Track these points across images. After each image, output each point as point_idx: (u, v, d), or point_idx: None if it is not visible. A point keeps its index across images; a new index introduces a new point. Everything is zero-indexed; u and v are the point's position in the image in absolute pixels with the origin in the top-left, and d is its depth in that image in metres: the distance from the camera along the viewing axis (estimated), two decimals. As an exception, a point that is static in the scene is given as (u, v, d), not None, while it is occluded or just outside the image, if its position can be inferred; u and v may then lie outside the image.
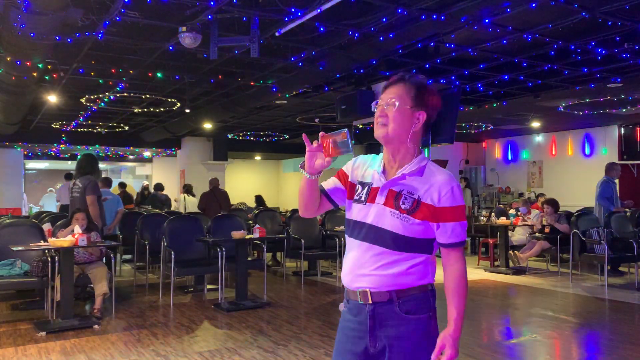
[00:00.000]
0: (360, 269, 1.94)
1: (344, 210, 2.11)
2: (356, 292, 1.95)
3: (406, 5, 4.94)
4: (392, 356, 1.90)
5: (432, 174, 1.93)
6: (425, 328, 1.90)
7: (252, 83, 8.12)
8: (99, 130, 13.34)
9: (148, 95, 9.02)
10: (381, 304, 1.91)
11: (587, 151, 12.90)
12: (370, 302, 1.91)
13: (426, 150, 7.62)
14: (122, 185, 13.54)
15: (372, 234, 1.92)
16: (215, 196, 10.49)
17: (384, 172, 1.98)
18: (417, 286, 1.91)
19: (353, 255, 1.98)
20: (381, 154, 2.05)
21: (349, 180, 2.06)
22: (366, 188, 1.98)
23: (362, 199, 1.97)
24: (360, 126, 8.73)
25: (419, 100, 1.93)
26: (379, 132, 1.95)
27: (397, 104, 1.91)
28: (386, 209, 1.91)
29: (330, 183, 2.11)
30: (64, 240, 5.41)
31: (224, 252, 6.44)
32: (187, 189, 12.13)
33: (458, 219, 1.90)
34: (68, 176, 12.16)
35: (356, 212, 1.99)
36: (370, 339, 1.93)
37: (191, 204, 11.44)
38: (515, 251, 9.06)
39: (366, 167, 2.05)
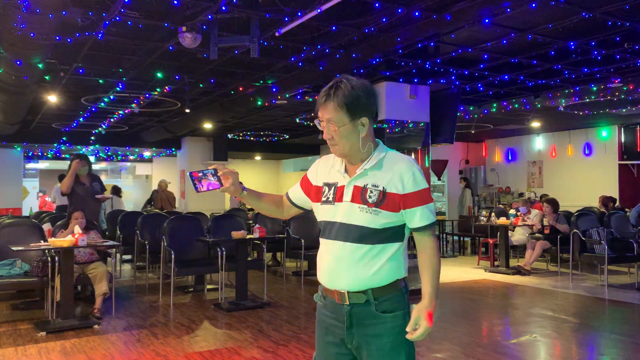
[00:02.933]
0: (336, 268, 1.97)
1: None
2: (333, 292, 1.98)
3: (406, 5, 4.94)
4: (371, 353, 1.93)
5: (392, 164, 1.96)
6: (402, 324, 1.93)
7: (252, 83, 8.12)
8: (99, 130, 13.34)
9: (148, 95, 9.01)
10: (358, 305, 1.93)
11: (587, 151, 12.91)
12: (347, 303, 1.94)
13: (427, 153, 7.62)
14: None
15: (344, 232, 1.95)
16: (166, 196, 12.80)
17: (346, 170, 2.02)
18: (392, 282, 1.94)
19: (327, 255, 2.00)
20: None
21: (314, 184, 2.11)
22: (332, 188, 2.02)
23: (330, 199, 2.01)
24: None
25: (354, 110, 1.93)
26: (333, 151, 2.02)
27: (336, 128, 1.94)
28: (354, 205, 1.94)
29: (294, 189, 2.20)
30: (64, 240, 5.41)
31: (224, 252, 6.43)
32: (115, 191, 12.88)
33: (424, 202, 1.94)
34: (61, 177, 12.20)
35: (326, 213, 2.02)
36: (347, 336, 1.96)
37: (118, 203, 12.48)
38: (519, 265, 8.96)
39: (329, 168, 2.08)
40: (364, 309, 1.93)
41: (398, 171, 1.93)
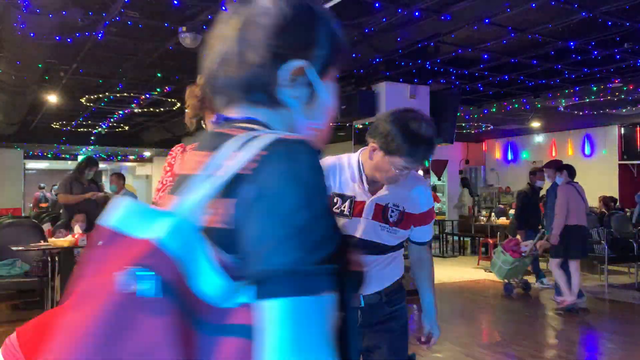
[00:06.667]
0: None
1: None
2: None
3: (406, 5, 4.95)
4: (383, 345, 2.04)
5: (410, 184, 2.02)
6: (404, 315, 2.13)
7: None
8: (99, 130, 13.34)
9: (148, 95, 9.02)
10: (370, 304, 2.03)
11: (587, 151, 12.90)
12: (362, 305, 2.01)
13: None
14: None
15: (361, 246, 1.95)
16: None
17: (365, 184, 1.96)
18: (396, 281, 2.10)
19: None
20: (353, 161, 2.00)
21: None
22: (348, 201, 1.96)
23: (346, 212, 1.96)
24: (360, 126, 8.74)
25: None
26: (390, 181, 1.94)
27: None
28: (375, 223, 1.98)
29: None
30: (64, 240, 5.41)
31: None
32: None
33: (431, 219, 2.13)
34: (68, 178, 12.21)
35: (340, 226, 1.96)
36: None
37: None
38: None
39: (339, 177, 2.00)
40: (376, 307, 2.05)
41: (416, 193, 2.03)
